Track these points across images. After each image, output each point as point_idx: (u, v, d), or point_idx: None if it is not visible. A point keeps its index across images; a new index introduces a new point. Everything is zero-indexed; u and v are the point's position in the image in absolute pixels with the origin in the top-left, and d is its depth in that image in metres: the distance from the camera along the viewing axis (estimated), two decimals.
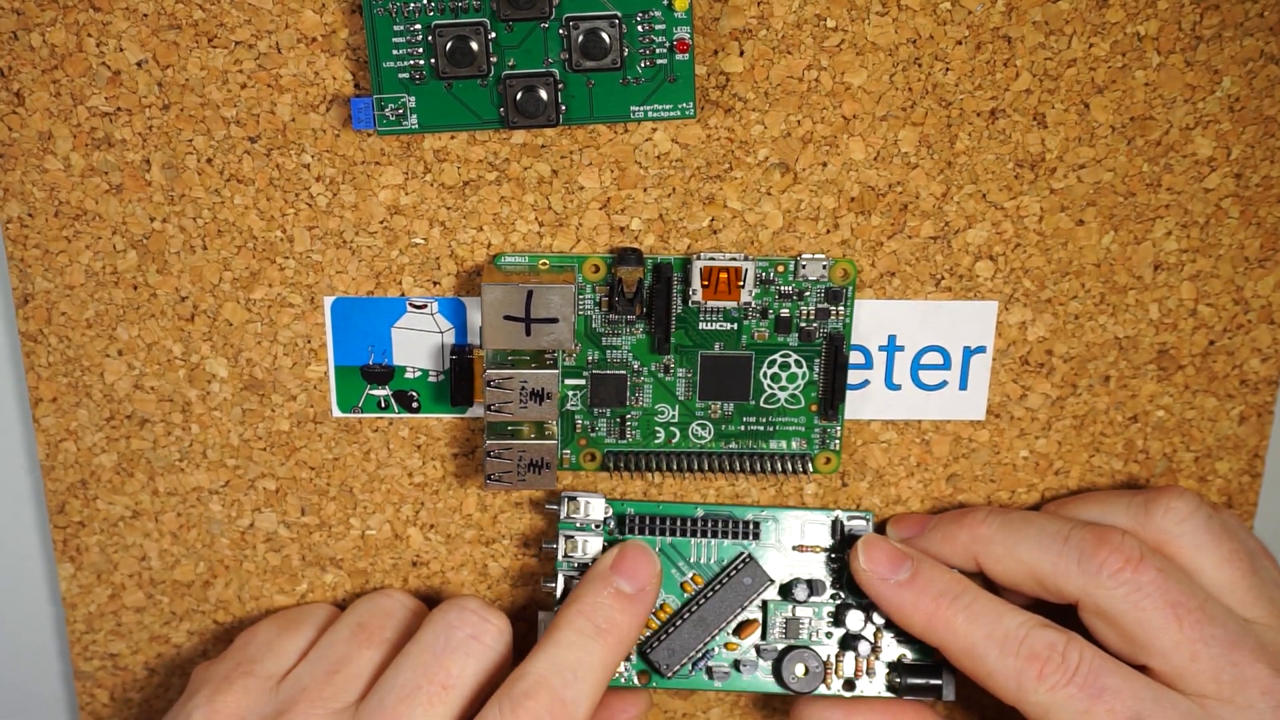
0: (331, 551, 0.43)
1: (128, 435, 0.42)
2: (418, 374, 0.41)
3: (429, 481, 0.43)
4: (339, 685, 0.39)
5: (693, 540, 0.43)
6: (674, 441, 0.42)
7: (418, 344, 0.41)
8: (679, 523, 0.42)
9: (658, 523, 0.42)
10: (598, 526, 0.42)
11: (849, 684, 0.43)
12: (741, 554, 0.43)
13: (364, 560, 0.44)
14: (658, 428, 0.42)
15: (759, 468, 0.42)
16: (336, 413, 0.42)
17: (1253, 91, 0.39)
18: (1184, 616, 0.38)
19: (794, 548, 0.43)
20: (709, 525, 0.42)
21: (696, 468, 0.42)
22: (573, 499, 0.42)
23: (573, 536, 0.42)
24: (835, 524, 0.43)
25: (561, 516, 0.42)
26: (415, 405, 0.42)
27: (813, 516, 0.43)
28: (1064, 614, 0.40)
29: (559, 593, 0.42)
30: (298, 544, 0.43)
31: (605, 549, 0.42)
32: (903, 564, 0.40)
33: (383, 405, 0.42)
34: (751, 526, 0.43)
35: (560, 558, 0.42)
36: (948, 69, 0.38)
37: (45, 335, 0.41)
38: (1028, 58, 0.38)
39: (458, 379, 0.41)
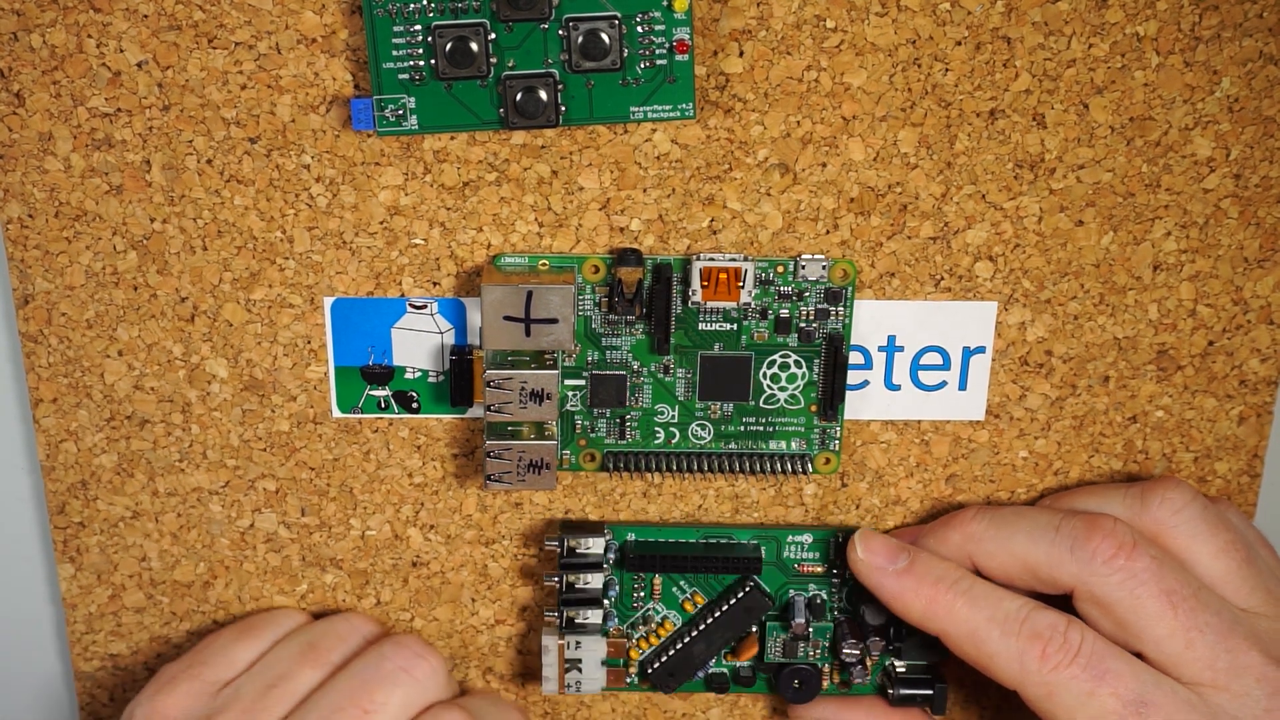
0: (331, 552, 0.43)
1: (128, 436, 0.42)
2: (417, 374, 0.41)
3: (429, 482, 0.43)
4: (272, 700, 0.40)
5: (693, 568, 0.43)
6: (674, 442, 0.42)
7: (417, 344, 0.41)
8: (680, 561, 0.42)
9: (658, 561, 0.42)
10: (599, 564, 0.42)
11: (845, 683, 0.44)
12: (741, 576, 0.43)
13: (364, 561, 0.44)
14: (657, 428, 0.42)
15: (759, 468, 0.42)
16: (336, 413, 0.42)
17: (1252, 92, 0.39)
18: (1178, 604, 0.38)
19: (793, 568, 0.43)
20: (709, 562, 0.42)
21: (696, 468, 0.42)
22: (572, 537, 0.42)
23: (574, 574, 0.42)
24: (834, 543, 0.43)
25: (562, 555, 0.42)
26: (415, 406, 0.42)
27: (812, 536, 0.43)
28: (1059, 607, 0.40)
29: (560, 623, 0.42)
30: (298, 544, 0.43)
31: (606, 583, 0.42)
32: (900, 554, 0.41)
33: (383, 406, 0.42)
34: (749, 559, 0.42)
35: (562, 592, 0.42)
36: (947, 69, 0.38)
37: (45, 336, 0.41)
38: (1027, 58, 0.38)
39: (457, 379, 0.41)
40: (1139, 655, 0.38)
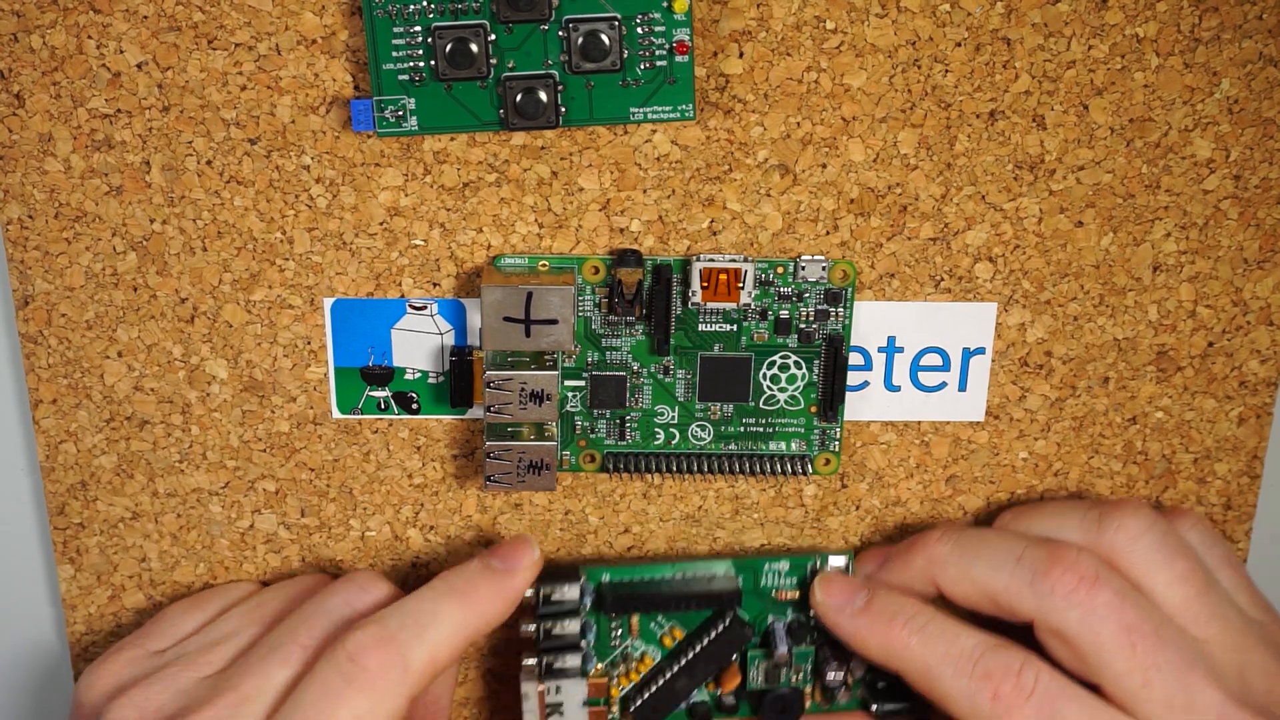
0: (331, 553, 0.43)
1: (128, 437, 0.42)
2: (417, 375, 0.42)
3: (429, 483, 0.43)
4: (216, 654, 0.40)
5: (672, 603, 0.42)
6: (674, 443, 0.42)
7: (417, 345, 0.41)
8: (657, 600, 0.42)
9: (635, 601, 0.42)
10: (575, 610, 0.41)
11: (827, 699, 0.44)
12: (721, 608, 0.42)
13: (364, 561, 0.44)
14: (657, 429, 0.42)
15: (758, 469, 0.42)
16: (336, 414, 0.42)
17: (1251, 93, 0.39)
18: (1137, 641, 0.37)
19: (773, 595, 0.43)
20: (686, 600, 0.42)
21: (696, 469, 0.42)
22: (546, 586, 0.41)
23: (550, 621, 0.41)
24: (811, 569, 0.43)
25: (537, 605, 0.41)
26: (415, 406, 0.42)
27: (789, 563, 0.43)
28: (1026, 631, 0.40)
29: (540, 670, 0.41)
30: (297, 545, 0.43)
31: (584, 626, 0.42)
32: (857, 593, 0.41)
33: (382, 406, 0.42)
34: (728, 594, 0.42)
35: (540, 640, 0.41)
36: (947, 71, 0.38)
37: (45, 337, 0.41)
38: (1027, 59, 0.38)
39: (457, 380, 0.41)
40: (1099, 688, 0.38)
